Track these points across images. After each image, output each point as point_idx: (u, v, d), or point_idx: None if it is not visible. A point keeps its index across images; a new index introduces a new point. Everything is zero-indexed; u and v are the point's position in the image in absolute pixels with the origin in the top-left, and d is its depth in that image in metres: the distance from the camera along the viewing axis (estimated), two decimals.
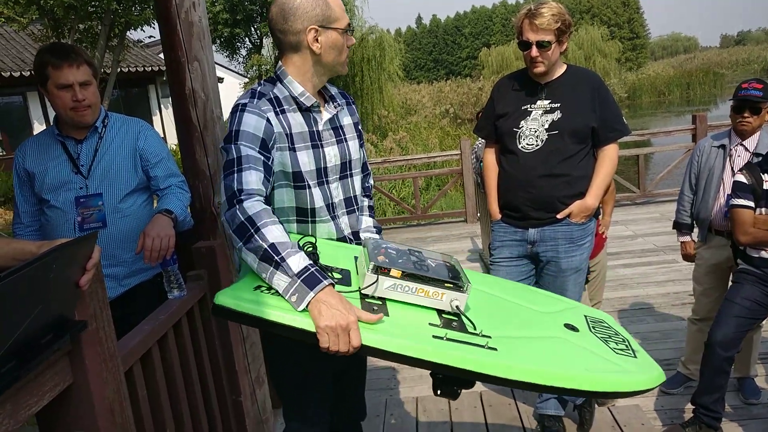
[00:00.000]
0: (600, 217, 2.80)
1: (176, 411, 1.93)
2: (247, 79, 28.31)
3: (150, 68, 18.54)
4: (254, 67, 26.19)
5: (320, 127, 1.74)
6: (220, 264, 2.25)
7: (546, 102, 2.46)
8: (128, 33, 13.37)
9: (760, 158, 2.73)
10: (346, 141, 1.82)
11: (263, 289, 1.45)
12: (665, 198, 7.59)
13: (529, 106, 2.49)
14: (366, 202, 2.01)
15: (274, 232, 1.43)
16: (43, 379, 1.23)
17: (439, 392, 1.49)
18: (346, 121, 1.85)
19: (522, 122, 2.48)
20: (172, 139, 15.67)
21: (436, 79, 44.87)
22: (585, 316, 1.81)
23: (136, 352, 1.69)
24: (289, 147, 1.66)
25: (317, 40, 1.66)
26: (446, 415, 3.14)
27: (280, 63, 1.75)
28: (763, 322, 2.88)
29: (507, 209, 2.61)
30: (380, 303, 1.50)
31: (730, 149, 2.90)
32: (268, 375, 1.94)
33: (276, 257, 1.40)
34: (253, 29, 31.35)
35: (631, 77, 37.44)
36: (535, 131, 2.45)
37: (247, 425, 2.38)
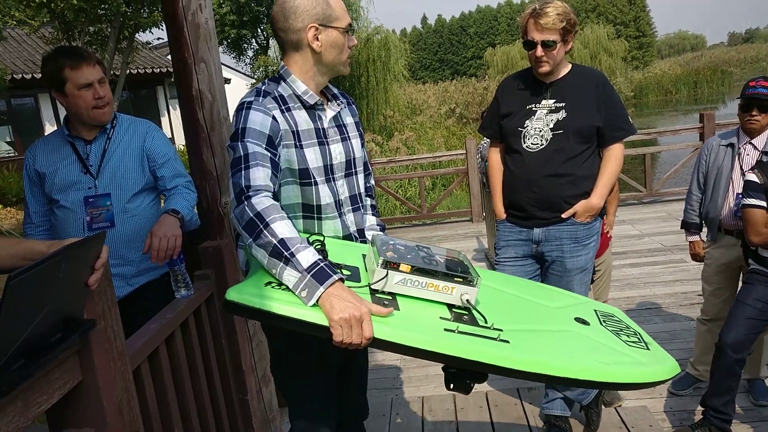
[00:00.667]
0: (605, 216, 2.79)
1: (184, 409, 1.94)
2: (253, 80, 28.36)
3: (158, 70, 18.63)
4: (261, 68, 26.22)
5: (325, 125, 1.76)
6: (227, 263, 2.27)
7: (551, 101, 2.46)
8: (137, 35, 13.44)
9: None
10: (349, 139, 1.83)
11: (274, 284, 1.46)
12: (672, 197, 7.56)
13: (533, 105, 2.49)
14: (369, 201, 2.02)
15: (283, 228, 1.44)
16: (52, 377, 1.24)
17: (451, 386, 1.49)
18: (348, 120, 1.87)
19: (527, 122, 2.48)
20: (181, 140, 15.73)
21: (441, 79, 44.77)
22: (595, 311, 1.81)
23: (144, 350, 1.71)
24: (295, 144, 1.67)
25: (317, 38, 1.67)
26: (452, 415, 3.14)
27: (282, 62, 1.77)
28: None
29: (512, 209, 2.61)
30: (390, 298, 1.51)
31: (739, 148, 2.89)
32: (273, 373, 1.95)
33: (285, 252, 1.40)
34: (259, 30, 31.45)
35: (638, 76, 37.26)
36: (540, 131, 2.45)
37: (254, 424, 2.39)
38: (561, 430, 2.79)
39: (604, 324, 1.70)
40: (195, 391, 2.03)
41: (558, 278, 2.55)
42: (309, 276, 1.38)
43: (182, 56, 2.26)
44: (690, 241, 3.18)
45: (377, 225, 2.00)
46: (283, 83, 1.73)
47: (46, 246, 1.31)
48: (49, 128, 16.05)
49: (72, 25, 11.98)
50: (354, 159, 1.84)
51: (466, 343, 1.38)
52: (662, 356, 1.58)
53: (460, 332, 1.41)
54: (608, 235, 3.26)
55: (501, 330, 1.46)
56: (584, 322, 1.67)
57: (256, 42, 32.37)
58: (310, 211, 1.73)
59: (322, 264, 1.40)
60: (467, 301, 1.52)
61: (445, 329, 1.41)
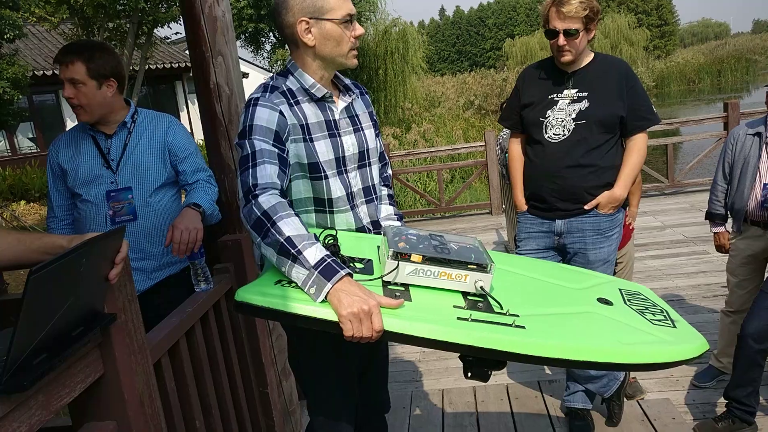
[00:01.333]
0: (627, 208, 2.75)
1: (204, 402, 1.95)
2: (271, 74, 28.48)
3: (177, 65, 18.77)
4: (279, 62, 26.32)
5: (336, 117, 1.74)
6: (246, 257, 2.27)
7: (573, 91, 2.42)
8: (155, 30, 13.55)
9: None
10: (362, 130, 1.82)
11: (284, 282, 1.46)
12: (695, 188, 7.44)
13: (555, 95, 2.45)
14: (385, 191, 2.01)
15: (290, 225, 1.43)
16: (74, 370, 1.25)
17: (469, 375, 1.47)
18: (361, 110, 1.85)
19: (548, 112, 2.45)
20: (200, 135, 15.85)
21: (459, 71, 44.52)
22: (620, 290, 1.75)
23: (164, 344, 1.72)
24: (304, 138, 1.66)
25: (310, 32, 1.64)
26: (472, 407, 3.12)
27: (290, 56, 1.76)
28: None
29: (533, 200, 2.58)
30: (403, 289, 1.49)
31: (767, 137, 2.82)
32: (292, 367, 1.95)
33: (293, 250, 1.40)
34: None
35: (659, 65, 36.68)
36: (562, 121, 2.41)
37: (274, 417, 2.40)
38: (582, 422, 2.76)
39: (628, 303, 1.65)
40: (215, 384, 2.04)
41: None
42: (316, 273, 1.38)
43: (200, 49, 2.26)
44: (715, 233, 3.13)
45: (395, 215, 1.98)
46: (291, 77, 1.72)
47: (66, 241, 1.32)
48: (71, 124, 16.27)
49: (91, 21, 12.12)
50: (367, 150, 1.82)
51: (480, 331, 1.36)
52: (690, 334, 1.52)
53: (473, 320, 1.39)
54: (630, 227, 3.21)
55: (517, 315, 1.42)
56: (607, 302, 1.62)
57: (274, 36, 32.39)
58: (322, 205, 1.72)
59: (329, 260, 1.39)
60: (481, 287, 1.49)
61: (458, 318, 1.39)
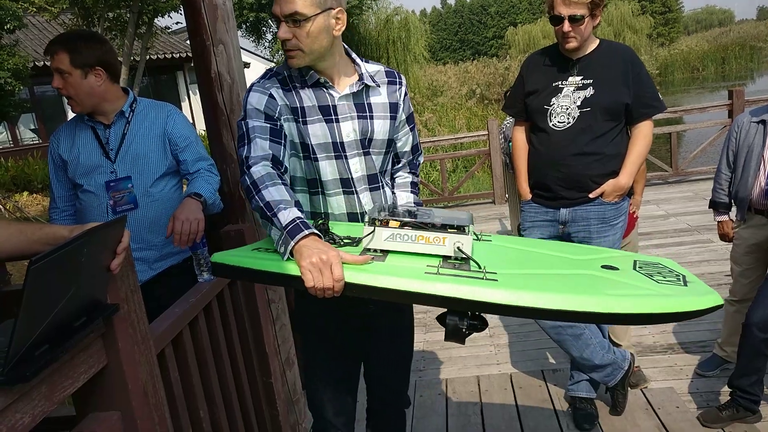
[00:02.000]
0: (632, 196, 2.74)
1: (208, 392, 1.95)
2: (273, 64, 28.39)
3: (178, 55, 18.71)
4: (279, 52, 26.22)
5: (335, 102, 1.74)
6: None
7: (578, 78, 2.40)
8: (156, 20, 13.49)
9: None
10: (371, 118, 1.79)
11: (261, 249, 1.56)
12: (699, 176, 7.41)
13: (560, 82, 2.43)
14: (410, 179, 2.01)
15: (271, 192, 1.53)
16: (77, 361, 1.24)
17: (445, 336, 1.43)
18: (378, 99, 1.82)
19: (553, 99, 2.42)
20: (202, 125, 15.85)
21: (462, 60, 44.27)
22: (635, 261, 1.64)
23: (167, 334, 1.71)
24: (296, 119, 1.71)
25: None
26: (476, 397, 3.13)
27: None
28: None
29: (537, 189, 2.56)
30: (380, 254, 1.50)
31: None
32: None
33: (269, 213, 1.50)
34: None
35: (663, 53, 36.45)
36: (567, 108, 2.39)
37: (278, 406, 2.40)
38: (586, 412, 2.76)
39: (638, 269, 1.55)
40: (219, 374, 2.04)
41: None
42: (285, 232, 1.45)
43: (200, 38, 2.24)
44: (718, 221, 3.11)
45: (413, 203, 1.98)
46: None
47: (68, 231, 1.31)
48: (72, 115, 16.22)
49: (91, 11, 12.07)
50: (371, 138, 1.80)
51: (445, 282, 1.33)
52: (701, 289, 1.44)
53: (440, 273, 1.37)
54: (635, 216, 3.19)
55: (495, 273, 1.39)
56: (612, 268, 1.54)
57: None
58: (315, 186, 1.78)
59: (298, 221, 1.47)
60: (459, 248, 1.45)
61: (426, 272, 1.39)
